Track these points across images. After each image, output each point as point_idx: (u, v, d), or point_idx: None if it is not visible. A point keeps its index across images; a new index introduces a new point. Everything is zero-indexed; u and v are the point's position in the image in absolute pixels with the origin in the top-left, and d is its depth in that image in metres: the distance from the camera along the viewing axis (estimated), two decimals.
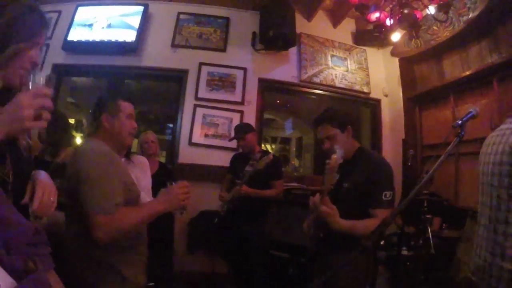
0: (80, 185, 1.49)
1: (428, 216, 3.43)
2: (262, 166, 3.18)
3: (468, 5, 3.78)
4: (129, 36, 4.58)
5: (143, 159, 2.75)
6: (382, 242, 3.36)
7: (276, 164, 3.39)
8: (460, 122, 1.85)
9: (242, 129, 3.58)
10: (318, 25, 5.26)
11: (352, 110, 5.42)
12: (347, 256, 1.79)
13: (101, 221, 1.43)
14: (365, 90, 5.26)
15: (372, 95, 5.33)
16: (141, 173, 2.54)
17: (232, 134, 4.37)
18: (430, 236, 3.30)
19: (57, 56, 4.56)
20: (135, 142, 3.85)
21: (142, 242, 1.71)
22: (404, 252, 3.43)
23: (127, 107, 1.80)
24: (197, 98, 4.61)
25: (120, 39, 4.58)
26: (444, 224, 3.79)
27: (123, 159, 2.41)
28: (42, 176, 1.26)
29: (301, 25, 5.02)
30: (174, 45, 4.76)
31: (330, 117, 2.16)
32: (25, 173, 1.23)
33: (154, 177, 2.92)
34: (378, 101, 5.38)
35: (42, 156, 2.59)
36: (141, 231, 1.71)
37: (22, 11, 1.09)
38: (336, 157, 1.88)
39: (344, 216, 1.90)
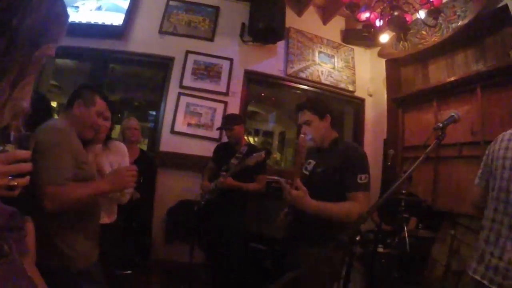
0: (35, 156, 1.49)
1: (405, 215, 3.48)
2: (252, 163, 3.16)
3: (458, 13, 3.85)
4: (117, 19, 4.47)
5: (120, 145, 2.69)
6: (358, 238, 3.40)
7: (264, 159, 3.39)
8: (441, 125, 1.90)
9: (232, 120, 3.56)
10: (308, 21, 5.26)
11: (336, 107, 5.43)
12: (320, 249, 1.87)
13: (50, 191, 1.50)
14: (350, 88, 5.30)
15: (357, 94, 5.37)
16: (118, 159, 2.49)
17: (216, 125, 4.38)
18: (406, 235, 3.36)
19: None
20: (117, 128, 3.80)
21: (91, 218, 1.77)
22: (380, 249, 3.49)
23: (101, 105, 1.88)
24: (181, 86, 4.56)
25: (107, 22, 4.46)
26: (420, 224, 3.86)
27: (99, 146, 2.37)
28: None
29: (291, 19, 5.01)
30: (161, 32, 4.68)
31: (310, 104, 2.24)
32: None
33: (135, 164, 2.87)
34: (362, 100, 5.43)
35: None
36: (91, 211, 1.78)
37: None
38: (304, 136, 2.01)
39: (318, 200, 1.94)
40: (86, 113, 1.81)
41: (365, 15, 3.58)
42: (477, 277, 1.86)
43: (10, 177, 0.85)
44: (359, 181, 1.97)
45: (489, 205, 1.97)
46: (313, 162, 2.24)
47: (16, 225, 0.87)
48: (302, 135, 2.07)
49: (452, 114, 1.98)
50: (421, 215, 3.85)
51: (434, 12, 3.28)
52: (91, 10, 4.50)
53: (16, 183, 0.83)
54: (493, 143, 2.09)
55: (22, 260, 0.86)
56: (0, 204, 0.81)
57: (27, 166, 0.87)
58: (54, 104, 6.05)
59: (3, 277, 0.60)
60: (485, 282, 1.81)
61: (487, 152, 2.12)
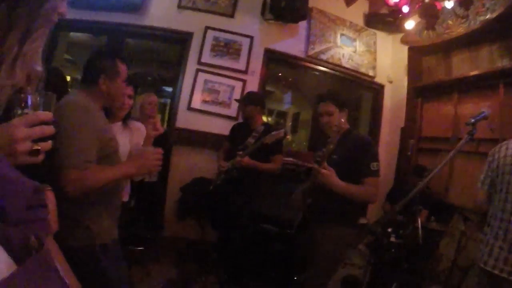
0: (57, 139, 1.46)
1: (418, 207, 3.47)
2: (270, 141, 3.14)
3: (487, 6, 3.71)
4: None
5: (140, 125, 2.68)
6: (389, 229, 3.45)
7: (281, 139, 3.37)
8: (473, 120, 1.89)
9: (249, 99, 3.55)
10: (331, 2, 5.12)
11: (354, 91, 5.38)
12: (334, 228, 2.34)
13: (71, 176, 1.45)
14: (370, 73, 5.20)
15: (377, 80, 5.28)
16: (138, 140, 2.48)
17: (233, 103, 4.34)
18: (420, 227, 3.35)
19: None
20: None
21: (114, 196, 1.74)
22: (392, 239, 3.48)
23: (124, 70, 1.78)
24: (200, 62, 4.48)
25: None
26: (432, 217, 3.85)
27: (119, 123, 2.34)
28: None
29: None
30: (180, 6, 4.55)
31: (333, 96, 2.55)
32: None
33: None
34: (381, 87, 5.33)
35: None
36: (115, 188, 1.74)
37: None
38: (337, 124, 2.27)
39: None
40: (113, 86, 1.73)
41: (394, 0, 3.47)
42: (488, 268, 2.15)
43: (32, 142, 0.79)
44: (372, 168, 2.31)
45: (496, 205, 2.25)
46: (325, 151, 2.46)
47: (40, 202, 0.82)
48: (335, 129, 2.26)
49: (483, 110, 1.98)
50: (432, 207, 3.84)
51: (466, 3, 3.17)
52: None
53: (39, 148, 0.77)
54: (497, 150, 2.38)
55: (48, 242, 0.83)
56: (22, 179, 0.76)
57: (50, 129, 0.80)
58: (68, 78, 6.02)
59: (32, 279, 0.53)
60: (495, 271, 2.10)
61: (490, 158, 2.40)
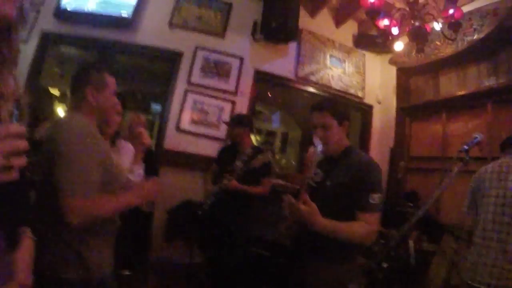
0: (57, 163, 1.40)
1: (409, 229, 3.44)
2: (258, 165, 3.09)
3: (474, 26, 3.80)
4: (126, 9, 4.34)
5: (129, 146, 2.60)
6: (385, 266, 3.41)
7: (269, 162, 3.32)
8: (466, 147, 1.88)
9: (236, 121, 3.50)
10: (321, 23, 5.18)
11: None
12: (326, 265, 1.88)
13: (75, 204, 1.37)
14: (359, 94, 5.25)
15: (365, 101, 5.32)
16: (125, 161, 2.40)
17: (222, 124, 4.31)
18: (412, 248, 3.32)
19: (47, 23, 4.23)
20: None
21: (112, 224, 1.65)
22: (384, 265, 3.44)
23: (112, 83, 1.70)
24: (189, 83, 4.45)
25: (116, 12, 4.33)
26: (424, 237, 3.82)
27: (107, 143, 2.27)
28: None
29: (304, 20, 4.92)
30: (171, 25, 4.55)
31: (332, 106, 2.01)
32: None
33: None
34: (370, 107, 5.38)
35: None
36: (112, 217, 1.66)
37: None
38: (313, 150, 1.87)
39: (325, 217, 1.75)
40: (101, 98, 1.64)
41: (384, 22, 3.50)
42: (475, 284, 2.31)
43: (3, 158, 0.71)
44: (371, 201, 1.80)
45: (479, 226, 2.45)
46: (321, 174, 2.02)
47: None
48: (312, 149, 1.93)
49: (476, 136, 1.99)
50: (424, 227, 3.82)
51: (455, 25, 3.21)
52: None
53: (11, 164, 0.68)
54: (477, 176, 2.60)
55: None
56: None
57: (23, 144, 0.71)
58: (56, 92, 5.93)
59: None
60: (482, 287, 2.26)
61: (473, 184, 2.62)
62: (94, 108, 1.62)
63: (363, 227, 1.79)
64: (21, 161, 0.71)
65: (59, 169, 1.39)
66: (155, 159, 3.89)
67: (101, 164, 1.52)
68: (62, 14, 4.27)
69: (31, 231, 1.27)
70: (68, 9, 4.26)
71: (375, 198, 1.80)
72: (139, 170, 2.18)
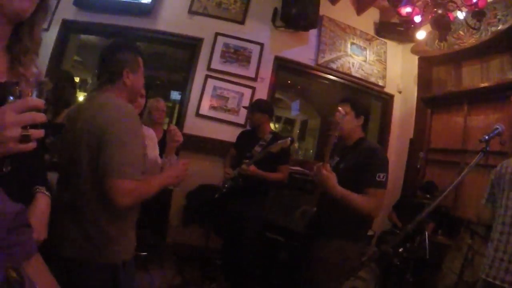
0: (108, 144, 1.42)
1: (426, 220, 3.44)
2: (276, 150, 3.10)
3: (499, 17, 3.70)
4: None
5: (152, 132, 2.65)
6: (401, 250, 3.45)
7: (287, 149, 3.33)
8: (487, 137, 1.87)
9: (257, 106, 3.51)
10: (342, 10, 5.11)
11: (364, 101, 5.33)
12: (337, 243, 2.18)
13: (126, 186, 1.40)
14: (380, 83, 5.18)
15: (386, 90, 5.26)
16: (151, 146, 2.45)
17: (242, 110, 4.35)
18: (427, 240, 3.31)
19: (67, 11, 4.33)
20: None
21: (136, 211, 1.71)
22: (400, 250, 3.45)
23: (142, 63, 1.72)
24: (209, 68, 4.48)
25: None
26: (439, 230, 3.80)
27: None
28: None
29: (325, 7, 4.86)
30: (191, 11, 4.56)
31: (353, 99, 2.39)
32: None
33: (159, 145, 2.84)
34: (391, 97, 5.31)
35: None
36: None
37: None
38: (336, 124, 2.11)
39: None
40: (136, 80, 1.66)
41: (406, 10, 3.43)
42: (490, 279, 2.26)
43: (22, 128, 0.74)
44: (377, 178, 2.09)
45: (497, 220, 2.40)
46: (337, 159, 2.38)
47: (21, 223, 0.79)
48: (333, 132, 2.11)
49: (497, 126, 1.97)
50: (440, 221, 3.79)
51: (479, 14, 3.13)
52: None
53: (29, 134, 0.72)
54: (498, 169, 2.51)
55: (30, 264, 0.79)
56: (1, 204, 0.74)
57: (41, 116, 0.74)
58: (77, 79, 6.05)
59: None
60: (497, 282, 2.20)
61: (493, 176, 2.55)
62: (128, 89, 1.64)
63: (370, 200, 2.07)
64: (39, 133, 0.75)
65: (110, 150, 1.41)
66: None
67: (142, 146, 1.59)
68: (82, 2, 4.35)
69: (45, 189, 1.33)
70: None
71: (381, 176, 2.09)
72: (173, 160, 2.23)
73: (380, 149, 2.33)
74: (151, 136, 2.47)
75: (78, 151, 1.48)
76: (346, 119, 2.26)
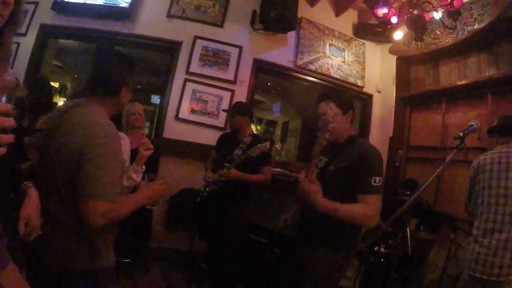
0: (86, 165, 1.39)
1: (406, 216, 3.48)
2: (256, 154, 3.09)
3: (475, 16, 3.78)
4: (124, 0, 4.35)
5: (127, 140, 2.61)
6: (376, 248, 3.45)
7: (268, 151, 3.33)
8: (461, 134, 1.89)
9: (237, 109, 3.50)
10: (321, 12, 5.16)
11: None
12: (324, 251, 1.98)
13: (101, 208, 1.38)
14: (359, 83, 5.24)
15: (365, 90, 5.32)
16: (124, 154, 2.41)
17: (222, 113, 4.33)
18: (409, 237, 3.35)
19: (45, 16, 4.29)
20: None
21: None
22: (382, 249, 3.49)
23: None
24: (188, 72, 4.46)
25: (114, 3, 4.34)
26: (421, 226, 3.85)
27: None
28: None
29: (304, 9, 4.90)
30: (169, 15, 4.55)
31: (336, 96, 2.16)
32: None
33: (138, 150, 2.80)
34: (370, 96, 5.38)
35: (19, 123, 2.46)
36: None
37: None
38: (324, 134, 1.93)
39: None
40: (128, 97, 1.67)
41: (382, 11, 3.49)
42: (477, 275, 2.35)
43: None
44: (373, 183, 1.87)
45: (479, 217, 2.49)
46: (324, 159, 2.15)
47: None
48: (321, 133, 1.97)
49: (472, 123, 1.99)
50: (422, 217, 3.84)
51: (454, 14, 3.20)
52: None
53: None
54: (475, 167, 2.63)
55: (4, 273, 0.78)
56: None
57: (10, 121, 0.73)
58: (56, 84, 5.95)
59: None
60: (484, 277, 2.31)
61: (472, 174, 2.66)
62: (119, 105, 1.65)
63: (364, 208, 1.85)
64: (9, 138, 0.73)
65: (89, 170, 1.38)
66: (155, 148, 3.92)
67: (121, 164, 1.55)
68: (60, 7, 4.30)
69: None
70: (66, 1, 4.29)
71: (377, 180, 1.88)
72: (141, 172, 2.22)
73: (374, 149, 2.06)
74: (124, 141, 2.43)
75: (57, 164, 1.45)
76: (336, 120, 2.04)
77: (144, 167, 2.22)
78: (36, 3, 4.26)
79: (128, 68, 1.66)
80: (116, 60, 1.65)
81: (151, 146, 2.21)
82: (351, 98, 2.52)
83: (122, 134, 2.57)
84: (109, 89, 1.58)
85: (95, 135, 1.43)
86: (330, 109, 2.07)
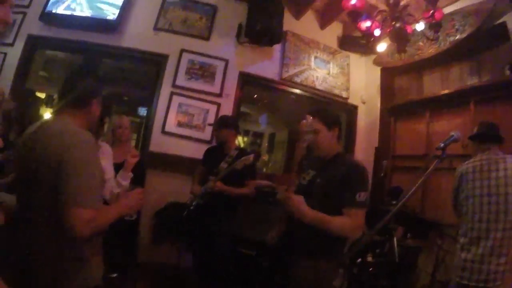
0: (65, 174, 1.38)
1: (393, 225, 3.51)
2: (240, 167, 3.11)
3: (456, 27, 3.87)
4: (111, 13, 4.36)
5: (108, 148, 2.59)
6: (359, 260, 3.47)
7: (253, 163, 3.35)
8: (442, 145, 1.91)
9: (223, 122, 3.52)
10: (306, 25, 5.23)
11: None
12: (311, 262, 2.01)
13: (85, 216, 1.36)
14: (344, 95, 5.30)
15: (350, 101, 5.38)
16: (107, 163, 2.39)
17: (207, 126, 4.35)
18: (396, 245, 3.37)
19: (33, 26, 4.27)
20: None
21: (101, 234, 1.67)
22: (369, 258, 3.51)
23: None
24: (174, 85, 4.47)
25: (102, 16, 4.35)
26: (408, 234, 3.88)
27: None
28: None
29: (289, 22, 4.95)
30: (156, 28, 4.57)
31: (321, 112, 2.21)
32: None
33: (124, 164, 2.78)
34: (355, 107, 5.44)
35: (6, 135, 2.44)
36: None
37: None
38: (302, 145, 2.10)
39: None
40: (99, 109, 1.68)
41: (365, 24, 3.55)
42: (465, 282, 2.42)
43: None
44: (357, 198, 1.94)
45: (466, 224, 2.57)
46: (312, 173, 2.20)
47: None
48: (300, 145, 2.13)
49: (453, 134, 2.02)
50: (409, 224, 3.87)
51: (435, 26, 3.28)
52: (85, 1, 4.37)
53: None
54: (459, 174, 2.74)
55: None
56: None
57: None
58: (42, 95, 5.90)
59: None
60: (472, 283, 2.37)
61: (456, 183, 2.75)
62: (91, 117, 1.65)
63: (349, 221, 1.93)
64: None
65: (68, 179, 1.38)
66: (141, 162, 3.90)
67: (99, 173, 1.55)
68: (48, 18, 4.29)
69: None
70: (54, 12, 4.27)
71: (362, 195, 1.95)
72: (128, 178, 2.23)
73: (360, 166, 2.13)
74: (107, 153, 2.42)
75: (36, 177, 1.44)
76: (320, 136, 2.12)
77: (131, 173, 2.24)
78: (24, 13, 4.25)
79: (96, 80, 1.68)
80: (84, 73, 1.71)
81: (136, 153, 2.28)
82: (337, 113, 2.53)
83: (103, 143, 2.55)
84: (78, 102, 1.60)
85: (70, 142, 1.43)
86: (313, 125, 2.14)
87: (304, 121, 2.17)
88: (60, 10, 4.30)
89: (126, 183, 2.23)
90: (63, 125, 1.52)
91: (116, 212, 1.59)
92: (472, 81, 4.04)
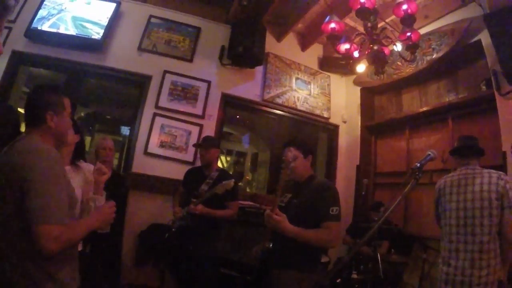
0: (30, 190, 1.37)
1: (376, 242, 3.55)
2: (221, 192, 3.13)
3: (433, 46, 4.03)
4: (96, 32, 4.39)
5: (91, 168, 2.55)
6: (338, 281, 3.53)
7: (234, 186, 3.35)
8: (418, 164, 1.96)
9: (210, 142, 3.55)
10: (287, 47, 5.35)
11: (310, 132, 5.53)
12: (293, 272, 2.25)
13: (53, 232, 1.35)
14: (325, 115, 5.40)
15: (331, 121, 5.47)
16: (77, 180, 2.35)
17: (190, 148, 4.35)
18: (380, 261, 3.40)
19: (18, 42, 4.24)
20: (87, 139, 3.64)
21: (75, 247, 1.66)
22: (354, 275, 3.53)
23: (68, 104, 1.70)
24: (157, 106, 4.49)
25: (87, 35, 4.37)
26: (392, 249, 3.92)
27: (68, 167, 2.23)
28: None
29: (271, 44, 5.08)
30: (140, 49, 4.62)
31: (298, 142, 2.56)
32: None
33: (106, 185, 2.75)
34: (336, 127, 5.54)
35: None
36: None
37: None
38: (286, 171, 2.41)
39: None
40: (61, 122, 1.64)
41: (344, 47, 3.65)
42: None
43: None
44: (331, 212, 2.25)
45: (445, 238, 2.63)
46: (289, 195, 2.51)
47: None
48: (284, 171, 2.42)
49: (429, 153, 2.07)
50: (393, 239, 3.92)
51: (412, 47, 3.39)
52: (70, 19, 4.40)
53: None
54: (438, 188, 2.80)
55: None
56: None
57: None
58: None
59: None
60: None
61: (437, 195, 2.81)
62: (53, 132, 1.62)
63: (326, 232, 2.24)
64: None
65: (33, 196, 1.37)
66: (123, 183, 3.87)
67: (67, 189, 1.53)
68: (33, 34, 4.28)
69: None
70: (40, 29, 4.27)
71: (334, 210, 2.27)
72: (102, 200, 2.18)
73: (331, 185, 2.51)
74: (90, 173, 2.36)
75: (4, 198, 1.42)
76: (297, 162, 2.46)
77: (104, 192, 2.19)
78: (9, 29, 4.21)
79: (51, 93, 1.66)
80: (36, 89, 1.69)
81: (105, 170, 2.18)
82: (312, 144, 2.87)
83: (83, 163, 2.50)
84: (33, 118, 1.60)
85: (33, 160, 1.43)
86: (291, 153, 2.48)
87: (289, 152, 2.48)
88: (46, 27, 4.30)
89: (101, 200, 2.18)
90: (29, 144, 1.52)
91: (87, 225, 1.58)
92: (449, 97, 4.20)
